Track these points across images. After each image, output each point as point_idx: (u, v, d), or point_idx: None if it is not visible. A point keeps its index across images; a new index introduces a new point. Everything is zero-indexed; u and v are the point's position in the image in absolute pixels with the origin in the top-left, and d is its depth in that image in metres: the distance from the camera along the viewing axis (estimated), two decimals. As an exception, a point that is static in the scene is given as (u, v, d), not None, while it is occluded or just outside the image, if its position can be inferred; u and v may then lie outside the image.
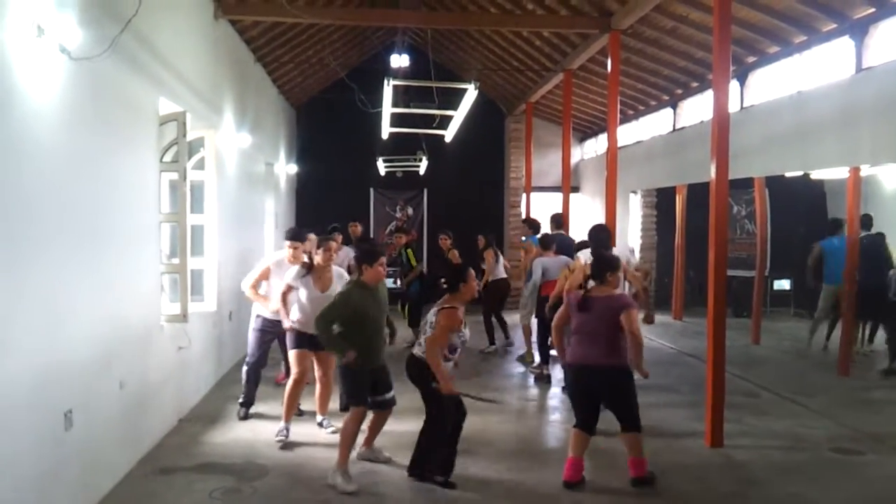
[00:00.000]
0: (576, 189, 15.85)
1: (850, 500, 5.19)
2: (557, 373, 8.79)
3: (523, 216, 15.21)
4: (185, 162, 6.46)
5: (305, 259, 6.62)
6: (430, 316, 5.29)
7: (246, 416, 6.90)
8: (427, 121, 11.69)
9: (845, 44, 7.93)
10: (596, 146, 16.15)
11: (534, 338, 9.49)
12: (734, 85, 9.85)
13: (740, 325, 11.79)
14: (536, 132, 15.28)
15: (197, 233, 7.59)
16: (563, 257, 8.69)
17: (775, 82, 9.49)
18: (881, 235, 9.67)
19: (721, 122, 6.34)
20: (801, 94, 8.67)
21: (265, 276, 6.86)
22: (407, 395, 5.92)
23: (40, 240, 4.06)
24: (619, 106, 9.67)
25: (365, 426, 5.63)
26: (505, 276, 10.89)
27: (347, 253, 9.17)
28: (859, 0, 7.50)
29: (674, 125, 12.59)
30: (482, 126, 14.96)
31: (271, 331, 6.88)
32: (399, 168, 15.41)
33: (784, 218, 12.84)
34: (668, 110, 12.78)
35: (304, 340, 6.34)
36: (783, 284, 14.05)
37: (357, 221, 11.46)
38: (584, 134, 16.69)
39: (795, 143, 8.63)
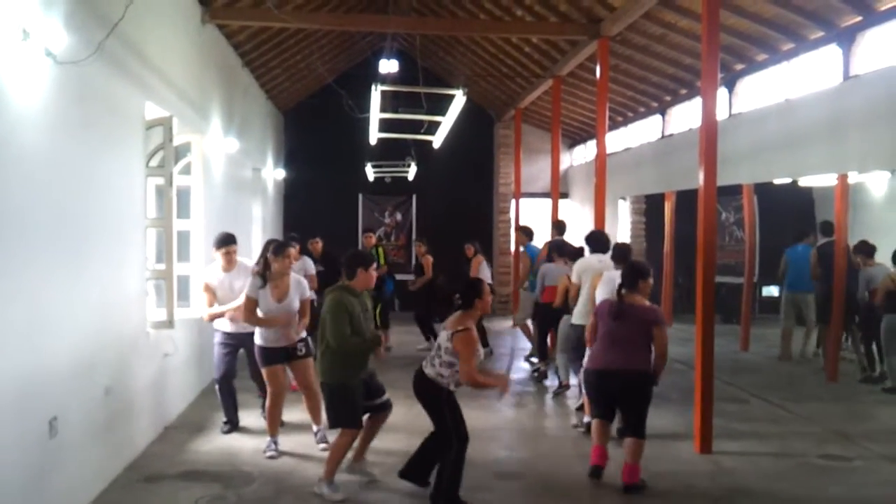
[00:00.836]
0: (565, 195, 15.87)
1: (839, 507, 5.20)
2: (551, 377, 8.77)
3: (512, 222, 15.22)
4: (172, 167, 6.43)
5: (250, 265, 6.50)
6: (443, 340, 4.97)
7: (230, 432, 6.67)
8: (415, 126, 11.68)
9: (833, 52, 8.00)
10: (585, 152, 16.19)
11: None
12: (722, 92, 9.91)
13: (729, 331, 11.81)
14: (525, 138, 15.30)
15: (183, 238, 7.54)
16: (563, 266, 8.70)
17: (763, 89, 9.55)
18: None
19: (709, 129, 6.36)
20: (789, 102, 8.72)
21: (210, 291, 6.55)
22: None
23: (24, 245, 4.02)
24: (607, 112, 9.70)
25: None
26: (490, 281, 10.93)
27: (304, 264, 8.86)
28: (847, 8, 7.55)
29: (662, 132, 12.64)
30: (471, 132, 14.97)
31: (233, 343, 6.63)
32: (388, 173, 15.38)
33: (772, 225, 12.88)
34: (657, 117, 12.83)
35: (274, 356, 6.11)
36: (772, 291, 14.09)
37: (318, 238, 10.50)
38: (574, 140, 16.73)
39: (783, 150, 8.68)
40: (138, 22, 5.74)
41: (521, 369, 9.94)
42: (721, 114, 8.16)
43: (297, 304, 6.14)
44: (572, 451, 6.31)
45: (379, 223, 16.33)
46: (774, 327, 13.08)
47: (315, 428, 6.38)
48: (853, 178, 9.39)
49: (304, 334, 6.23)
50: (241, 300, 6.17)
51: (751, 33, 8.90)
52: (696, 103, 10.58)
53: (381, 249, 10.96)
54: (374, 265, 5.45)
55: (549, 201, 12.29)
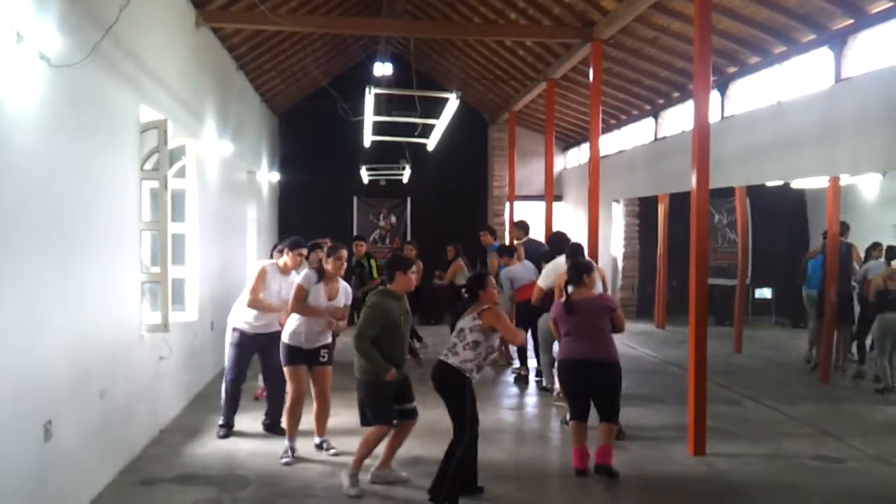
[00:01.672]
0: (559, 198, 15.92)
1: (832, 508, 5.23)
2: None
3: (507, 224, 15.26)
4: (167, 170, 6.41)
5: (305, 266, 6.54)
6: (466, 324, 5.12)
7: (226, 436, 6.59)
8: (410, 129, 11.70)
9: (824, 54, 8.04)
10: (579, 155, 16.23)
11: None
12: (715, 95, 9.95)
13: (722, 333, 11.87)
14: (519, 141, 15.33)
15: (178, 241, 7.52)
16: (529, 263, 8.85)
17: (755, 92, 9.59)
18: (848, 245, 9.80)
19: (702, 132, 6.39)
20: (781, 104, 8.76)
21: (264, 279, 6.41)
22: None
23: (19, 248, 4.02)
24: (601, 115, 9.73)
25: (380, 448, 5.50)
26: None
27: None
28: (838, 11, 7.60)
29: (655, 135, 12.69)
30: (465, 135, 15.02)
31: (251, 345, 6.59)
32: (382, 176, 15.40)
33: (765, 227, 12.95)
34: (650, 120, 12.88)
35: (299, 356, 6.06)
36: (764, 293, 14.16)
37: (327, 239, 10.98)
38: (567, 143, 16.77)
39: (776, 152, 8.72)
40: (132, 25, 5.75)
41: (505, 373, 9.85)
42: (713, 116, 8.21)
43: (341, 306, 6.13)
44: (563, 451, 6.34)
45: (374, 226, 16.35)
46: (767, 329, 13.18)
47: (318, 439, 6.27)
48: (845, 180, 9.46)
49: (327, 341, 6.21)
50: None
51: (743, 36, 8.95)
52: (688, 106, 10.63)
53: (372, 261, 10.80)
54: (413, 268, 5.43)
55: (543, 204, 12.32)
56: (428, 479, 5.31)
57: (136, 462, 5.88)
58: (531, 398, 8.61)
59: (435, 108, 9.59)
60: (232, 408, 6.70)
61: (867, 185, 11.79)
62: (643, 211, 15.08)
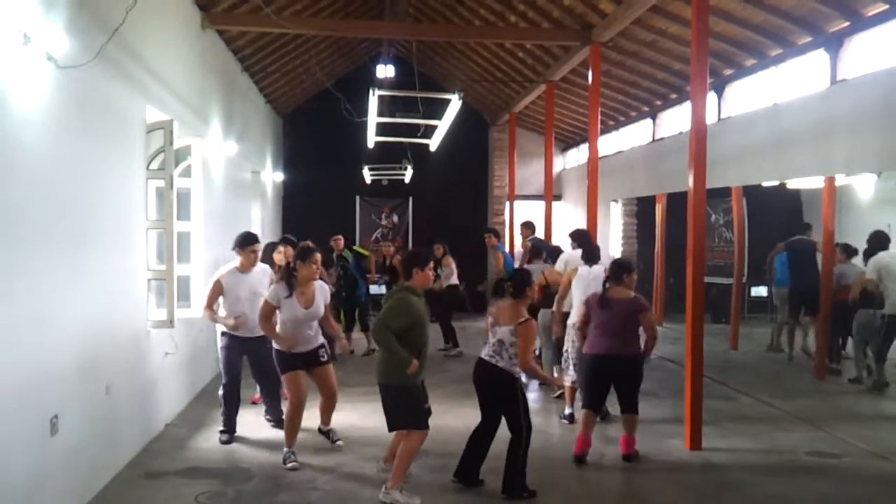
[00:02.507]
0: (558, 198, 16.01)
1: (827, 503, 5.30)
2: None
3: (507, 224, 15.37)
4: (172, 169, 6.52)
5: (269, 270, 6.51)
6: (506, 333, 5.18)
7: (229, 441, 6.42)
8: (412, 130, 11.80)
9: (820, 57, 8.12)
10: (578, 156, 16.32)
11: None
12: (712, 96, 10.04)
13: (719, 330, 11.96)
14: (519, 142, 15.43)
15: (183, 239, 7.63)
16: (540, 263, 8.98)
17: (752, 94, 9.68)
18: (812, 242, 10.15)
19: (699, 133, 6.48)
20: (777, 106, 8.85)
21: (218, 291, 6.37)
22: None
23: (27, 246, 4.10)
24: (599, 116, 9.82)
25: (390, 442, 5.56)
26: (457, 282, 11.04)
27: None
28: (834, 14, 7.67)
29: (653, 136, 12.78)
30: (466, 136, 15.11)
31: (239, 347, 6.47)
32: (385, 176, 15.51)
33: (761, 226, 13.03)
34: (648, 121, 12.97)
35: (293, 362, 5.92)
36: (760, 291, 14.24)
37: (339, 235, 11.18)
38: (567, 144, 16.87)
39: (772, 153, 8.80)
40: (139, 27, 5.84)
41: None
42: (710, 118, 8.28)
43: (322, 310, 6.01)
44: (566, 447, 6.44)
45: (376, 225, 16.46)
46: (763, 326, 13.25)
47: (324, 427, 6.37)
48: (840, 180, 9.54)
49: (322, 340, 6.13)
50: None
51: (739, 39, 9.04)
52: (685, 107, 10.73)
53: (356, 248, 10.90)
54: (431, 264, 5.28)
55: (542, 203, 12.42)
56: (435, 472, 5.53)
57: (141, 455, 5.98)
58: (531, 394, 8.70)
59: (437, 109, 9.69)
60: (232, 412, 6.56)
61: (862, 186, 11.86)
62: (641, 210, 15.18)
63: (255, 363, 6.60)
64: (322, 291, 6.04)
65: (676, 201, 11.30)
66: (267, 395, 6.90)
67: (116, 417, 5.54)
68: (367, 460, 5.96)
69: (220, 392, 6.61)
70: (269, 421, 6.91)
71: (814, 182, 9.72)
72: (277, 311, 5.91)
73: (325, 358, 6.12)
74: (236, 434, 6.57)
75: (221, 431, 6.52)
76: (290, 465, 5.79)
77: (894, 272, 8.26)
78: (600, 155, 10.04)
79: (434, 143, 12.13)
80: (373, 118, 9.96)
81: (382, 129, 11.32)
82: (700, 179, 6.49)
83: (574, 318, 6.99)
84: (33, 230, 4.17)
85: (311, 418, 6.36)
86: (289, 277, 5.86)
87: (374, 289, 11.94)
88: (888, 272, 8.28)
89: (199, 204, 8.01)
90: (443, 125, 10.25)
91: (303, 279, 5.87)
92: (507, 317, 5.25)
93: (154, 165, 6.47)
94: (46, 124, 4.33)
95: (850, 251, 9.55)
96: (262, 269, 6.64)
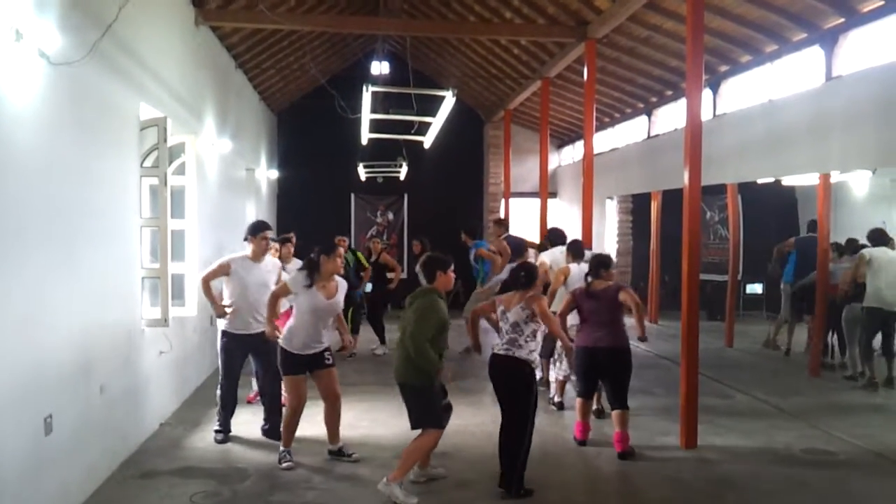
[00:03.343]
0: (553, 195, 16.00)
1: (822, 502, 5.30)
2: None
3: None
4: (166, 167, 6.47)
5: (294, 262, 6.45)
6: (518, 315, 5.31)
7: (224, 441, 6.36)
8: (406, 127, 11.77)
9: (815, 53, 8.12)
10: (573, 153, 16.32)
11: None
12: (707, 93, 10.04)
13: (714, 328, 11.98)
14: (514, 139, 15.42)
15: (178, 237, 7.59)
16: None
17: (747, 90, 9.68)
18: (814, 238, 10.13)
19: (694, 130, 6.47)
20: (772, 103, 8.85)
21: (224, 271, 6.28)
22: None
23: (20, 244, 4.07)
24: (595, 113, 9.82)
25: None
26: None
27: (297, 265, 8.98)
28: (829, 10, 7.67)
29: (648, 132, 12.77)
30: (461, 133, 15.09)
31: (239, 347, 6.37)
32: (379, 173, 15.47)
33: (756, 223, 13.05)
34: (643, 118, 12.97)
35: (298, 364, 5.79)
36: (755, 288, 14.28)
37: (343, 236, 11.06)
38: (562, 141, 16.86)
39: (767, 150, 8.80)
40: (132, 24, 5.81)
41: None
42: (706, 114, 8.30)
43: (342, 305, 5.96)
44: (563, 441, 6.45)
45: (371, 222, 16.44)
46: (758, 324, 13.29)
47: (334, 446, 6.00)
48: (835, 177, 9.57)
49: (327, 343, 5.98)
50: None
51: (735, 35, 9.03)
52: (681, 104, 10.67)
53: (358, 254, 10.71)
54: (452, 266, 5.33)
55: (537, 201, 12.41)
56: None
57: (136, 455, 5.95)
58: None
59: (431, 105, 9.66)
60: (229, 413, 6.48)
61: (857, 182, 11.90)
62: (636, 207, 15.19)
63: (259, 363, 6.47)
64: (342, 287, 5.95)
65: (672, 198, 11.31)
66: (267, 398, 6.58)
67: (111, 416, 5.52)
68: (363, 460, 5.94)
69: (218, 392, 6.51)
70: (265, 429, 6.54)
71: (809, 179, 9.73)
72: (286, 301, 5.96)
73: (330, 361, 5.95)
74: (231, 434, 6.50)
75: (217, 431, 6.45)
76: (285, 464, 5.73)
77: (881, 266, 8.40)
78: (596, 152, 10.04)
79: (428, 140, 12.09)
80: (367, 115, 9.92)
81: (377, 126, 11.27)
82: (695, 176, 6.48)
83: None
84: (26, 228, 4.14)
85: (308, 424, 6.32)
86: (311, 269, 5.74)
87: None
88: (876, 265, 8.40)
89: (193, 202, 7.97)
90: (437, 122, 10.21)
91: (326, 273, 5.76)
92: (516, 300, 5.39)
93: (148, 163, 6.44)
94: (39, 122, 4.30)
95: (841, 249, 9.66)
96: (273, 262, 6.59)
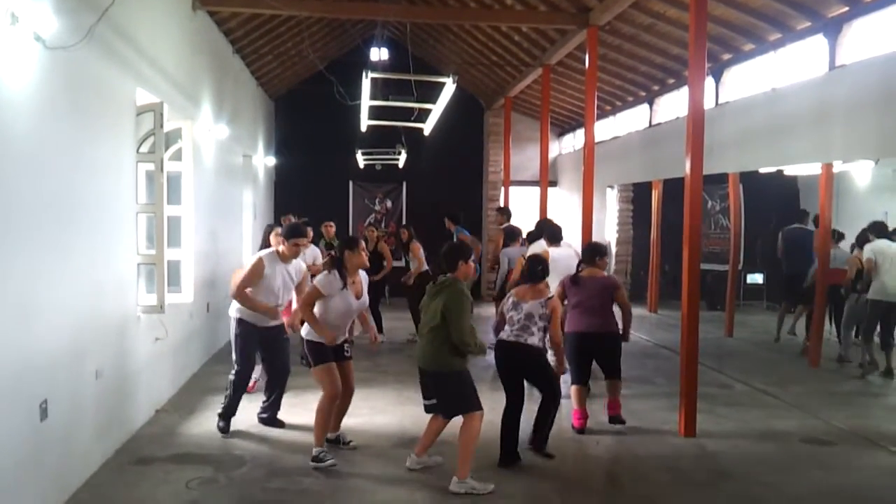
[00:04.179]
0: (553, 183, 15.94)
1: (820, 490, 5.29)
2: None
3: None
4: (162, 153, 6.43)
5: (318, 258, 6.32)
6: (536, 309, 5.61)
7: (226, 430, 6.20)
8: (406, 114, 11.70)
9: (819, 42, 8.06)
10: (574, 141, 16.25)
11: None
12: (710, 81, 9.98)
13: (714, 317, 11.97)
14: (515, 127, 15.34)
15: (174, 224, 7.56)
16: (517, 247, 9.32)
17: (750, 79, 9.62)
18: (807, 230, 10.41)
19: (696, 119, 6.43)
20: (775, 91, 8.79)
21: (260, 274, 5.95)
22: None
23: (15, 229, 4.04)
24: (596, 101, 9.75)
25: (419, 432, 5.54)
26: (427, 268, 10.92)
27: (313, 252, 8.92)
28: (833, -1, 7.62)
29: (650, 121, 12.71)
30: (461, 120, 15.01)
31: (255, 334, 6.19)
32: (378, 161, 15.41)
33: (758, 213, 13.01)
34: (645, 106, 12.90)
35: (328, 352, 5.64)
36: (756, 278, 14.25)
37: (332, 222, 11.09)
38: (562, 129, 16.78)
39: (769, 139, 8.76)
40: (128, 8, 5.75)
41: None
42: (708, 103, 8.24)
43: (367, 300, 5.90)
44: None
45: (369, 210, 16.38)
46: (758, 314, 13.29)
47: (333, 434, 5.91)
48: (837, 167, 9.52)
49: (348, 334, 5.92)
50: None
51: (738, 23, 8.96)
52: (683, 93, 10.65)
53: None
54: (473, 256, 5.33)
55: (537, 189, 12.36)
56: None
57: (131, 441, 5.94)
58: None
59: (431, 92, 9.60)
60: (236, 403, 6.30)
61: (859, 173, 11.84)
62: (637, 196, 15.14)
63: (273, 352, 6.33)
64: (365, 281, 5.86)
65: (673, 187, 11.27)
66: (274, 386, 6.45)
67: (106, 403, 5.50)
68: (361, 447, 5.94)
69: (231, 377, 6.27)
70: (262, 418, 6.49)
71: (811, 168, 9.69)
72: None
73: (349, 353, 5.89)
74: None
75: (220, 416, 6.25)
76: (328, 462, 5.45)
77: (885, 259, 8.47)
78: (596, 140, 9.98)
79: (428, 127, 12.03)
80: (366, 101, 9.86)
81: (376, 113, 11.21)
82: (697, 165, 6.44)
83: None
84: (21, 214, 4.10)
85: (305, 412, 6.31)
86: (340, 268, 5.58)
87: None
88: (881, 259, 8.48)
89: (189, 188, 7.93)
90: (437, 109, 10.15)
91: (353, 268, 5.64)
92: (532, 294, 5.72)
93: (144, 148, 6.39)
94: (34, 106, 4.26)
95: (836, 235, 9.78)
96: (299, 263, 6.30)
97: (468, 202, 16.19)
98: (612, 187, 15.17)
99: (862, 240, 8.98)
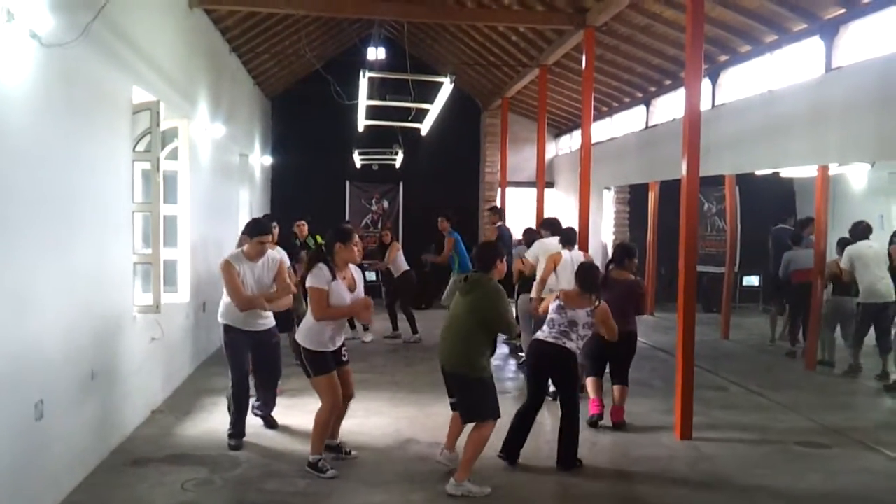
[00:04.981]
0: (550, 184, 15.95)
1: (815, 493, 5.29)
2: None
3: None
4: (159, 151, 6.42)
5: (277, 256, 6.08)
6: (583, 317, 5.70)
7: (239, 447, 5.91)
8: (403, 114, 11.69)
9: (815, 44, 8.06)
10: (570, 142, 16.25)
11: None
12: (706, 83, 9.98)
13: (710, 320, 11.96)
14: (512, 127, 15.33)
15: (170, 223, 7.53)
16: (523, 248, 9.35)
17: (747, 81, 9.62)
18: (787, 230, 10.53)
19: (692, 120, 6.42)
20: (771, 93, 8.80)
21: (236, 274, 5.79)
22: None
23: (10, 228, 4.02)
24: (593, 102, 9.75)
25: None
26: (408, 268, 10.94)
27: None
28: (830, 1, 7.62)
29: (647, 122, 12.71)
30: (458, 120, 15.00)
31: (244, 341, 5.98)
32: (375, 161, 15.38)
33: (754, 215, 13.03)
34: (642, 108, 12.90)
35: (329, 361, 5.40)
36: (752, 281, 14.26)
37: (304, 221, 10.46)
38: (559, 130, 16.78)
39: (766, 141, 8.76)
40: (125, 6, 5.75)
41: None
42: (704, 105, 8.24)
43: (363, 294, 5.62)
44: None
45: (366, 210, 16.35)
46: (754, 316, 13.29)
47: (332, 441, 5.72)
48: (833, 169, 9.53)
49: (344, 339, 5.67)
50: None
51: (735, 25, 8.96)
52: (680, 94, 10.63)
53: (318, 237, 10.05)
54: (504, 255, 5.39)
55: (534, 190, 12.36)
56: (423, 461, 5.55)
57: (127, 442, 5.92)
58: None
59: (428, 92, 9.59)
60: (243, 414, 6.05)
61: (855, 175, 11.86)
62: (633, 198, 15.13)
63: (263, 356, 6.12)
64: (359, 273, 5.64)
65: (669, 189, 11.26)
66: (264, 388, 6.36)
67: (102, 403, 5.49)
68: (356, 449, 5.90)
69: (229, 393, 6.04)
70: (259, 415, 6.45)
71: (807, 171, 9.70)
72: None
73: (346, 357, 5.67)
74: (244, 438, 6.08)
75: (231, 435, 5.97)
76: (329, 473, 5.32)
77: (867, 261, 8.49)
78: (593, 141, 9.97)
79: (425, 127, 12.02)
80: (363, 101, 9.84)
81: (373, 113, 11.20)
82: (693, 167, 6.44)
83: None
84: (16, 212, 4.08)
85: (301, 413, 6.28)
86: (325, 261, 5.36)
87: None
88: (862, 262, 8.51)
89: (185, 187, 7.91)
90: (434, 109, 10.15)
91: (342, 263, 5.42)
92: (579, 302, 5.78)
93: (140, 147, 6.38)
94: (30, 104, 4.24)
95: (796, 238, 10.07)
96: (270, 256, 6.02)
97: (465, 203, 16.18)
98: (608, 189, 15.16)
99: (843, 243, 9.00)
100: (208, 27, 9.50)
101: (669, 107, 11.86)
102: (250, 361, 6.18)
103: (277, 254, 6.18)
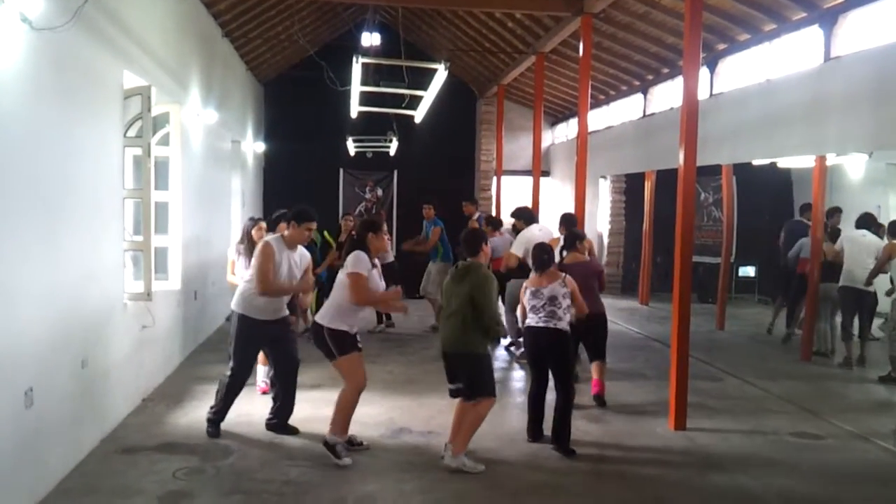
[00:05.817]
0: (546, 173, 15.88)
1: (809, 483, 5.27)
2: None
3: (494, 199, 15.21)
4: (150, 137, 6.34)
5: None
6: (559, 289, 5.82)
7: (216, 435, 5.80)
8: (397, 101, 11.59)
9: (814, 33, 8.03)
10: (567, 130, 16.19)
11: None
12: (704, 72, 9.93)
13: (705, 310, 11.95)
14: (508, 115, 15.26)
15: (161, 210, 7.46)
16: (508, 237, 9.46)
17: (745, 70, 9.57)
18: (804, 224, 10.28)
19: (690, 109, 6.37)
20: (769, 83, 8.75)
21: (272, 257, 5.57)
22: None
23: (-1, 214, 3.96)
24: (590, 90, 9.69)
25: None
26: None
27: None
28: (829, -11, 7.58)
29: (644, 111, 12.66)
30: (454, 108, 14.89)
31: (260, 334, 5.80)
32: (369, 148, 15.27)
33: (750, 206, 13.00)
34: (639, 96, 12.85)
35: (354, 342, 5.46)
36: (748, 271, 14.25)
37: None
38: (556, 118, 16.71)
39: (763, 130, 8.73)
40: (116, -12, 5.65)
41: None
42: (702, 94, 8.19)
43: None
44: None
45: (359, 198, 16.26)
46: (750, 307, 13.29)
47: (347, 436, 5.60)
48: (831, 159, 9.50)
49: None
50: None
51: (733, 13, 8.91)
52: (677, 83, 10.60)
53: (325, 233, 9.99)
54: (488, 239, 5.63)
55: (530, 179, 12.31)
56: (418, 451, 5.47)
57: (118, 430, 5.87)
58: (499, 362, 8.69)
59: (423, 79, 9.50)
60: (229, 404, 5.89)
61: (853, 166, 11.82)
62: (630, 187, 15.10)
63: (278, 353, 5.94)
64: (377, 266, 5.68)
65: (665, 178, 11.23)
66: (285, 385, 5.97)
67: (93, 391, 5.44)
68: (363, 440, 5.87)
69: (224, 380, 5.86)
70: (271, 423, 6.00)
71: (804, 161, 9.66)
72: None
73: (360, 343, 5.59)
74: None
75: (210, 421, 5.87)
76: (346, 460, 5.29)
77: (857, 248, 8.61)
78: (590, 130, 9.93)
79: (419, 114, 11.93)
80: (357, 87, 9.74)
81: (367, 99, 11.10)
82: (690, 157, 6.39)
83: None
84: (5, 198, 4.02)
85: (300, 409, 6.22)
86: (365, 249, 5.44)
87: None
88: (852, 247, 8.64)
89: (177, 173, 7.83)
90: (429, 96, 10.06)
91: (375, 251, 5.55)
92: (547, 279, 5.89)
93: (131, 133, 6.29)
94: (20, 88, 4.18)
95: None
96: (303, 252, 5.93)
97: (460, 191, 16.05)
98: (604, 178, 15.12)
99: (833, 235, 9.13)
100: (200, 11, 9.39)
101: (667, 95, 11.81)
102: (271, 358, 6.14)
103: (305, 251, 6.03)
